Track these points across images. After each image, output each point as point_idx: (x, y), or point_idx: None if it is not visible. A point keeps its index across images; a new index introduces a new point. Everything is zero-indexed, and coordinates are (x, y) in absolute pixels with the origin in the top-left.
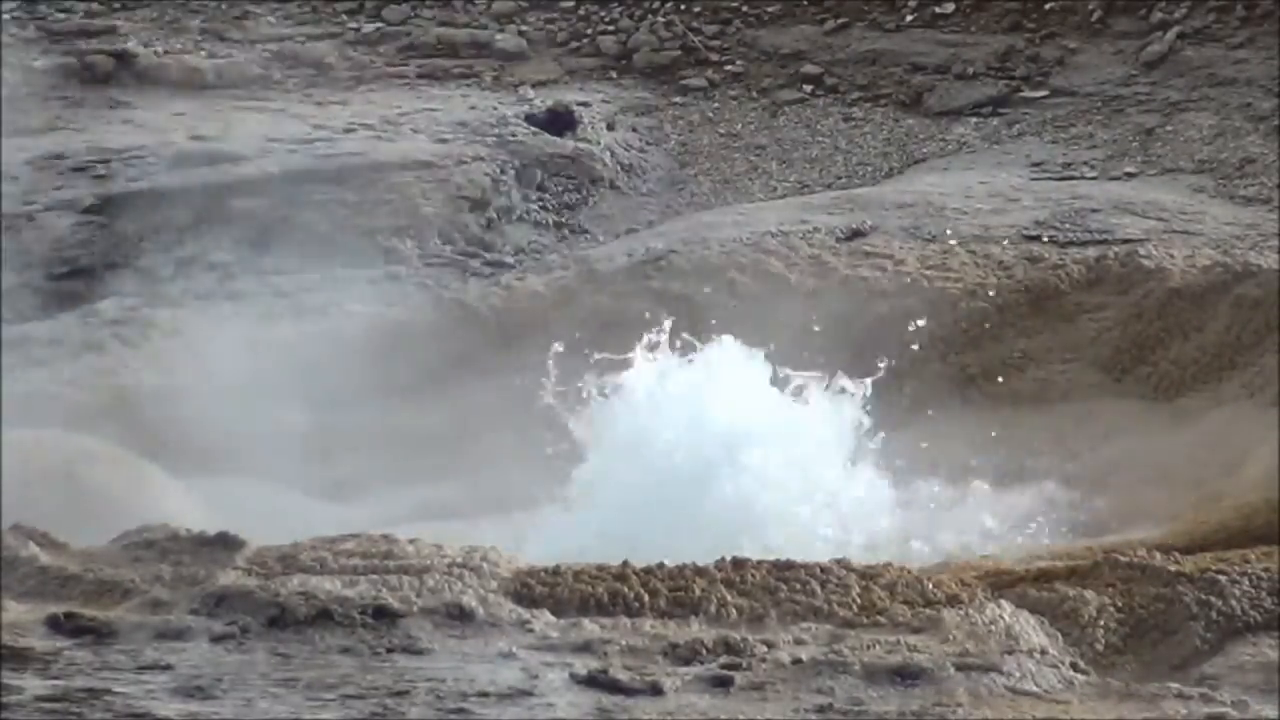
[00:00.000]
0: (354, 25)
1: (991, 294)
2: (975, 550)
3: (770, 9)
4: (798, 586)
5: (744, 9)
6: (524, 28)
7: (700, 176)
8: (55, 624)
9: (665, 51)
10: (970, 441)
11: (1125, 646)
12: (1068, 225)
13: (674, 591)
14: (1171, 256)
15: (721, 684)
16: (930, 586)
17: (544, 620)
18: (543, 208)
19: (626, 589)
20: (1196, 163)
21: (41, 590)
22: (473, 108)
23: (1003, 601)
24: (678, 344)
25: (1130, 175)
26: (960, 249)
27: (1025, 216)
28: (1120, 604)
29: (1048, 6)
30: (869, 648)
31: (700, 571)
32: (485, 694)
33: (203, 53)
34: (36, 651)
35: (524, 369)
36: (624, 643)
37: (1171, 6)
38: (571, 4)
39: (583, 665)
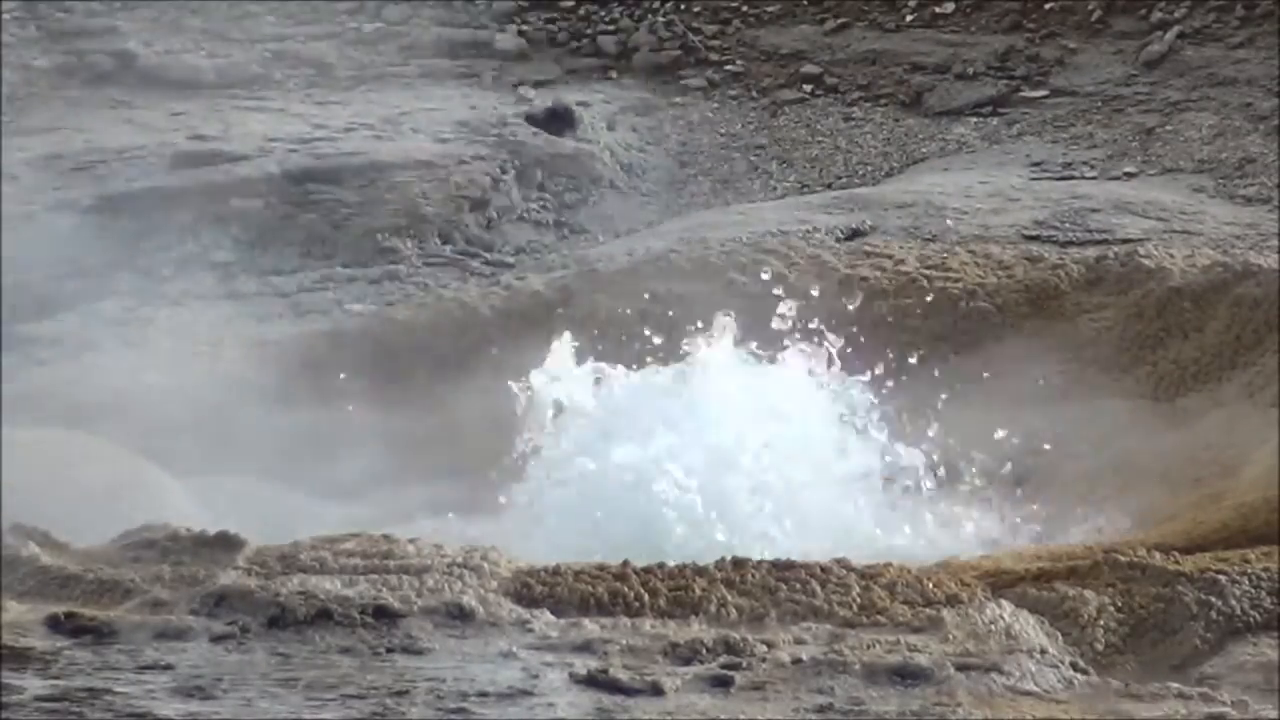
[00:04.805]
0: (354, 25)
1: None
2: None
3: (770, 9)
4: (798, 586)
5: (744, 9)
6: (524, 28)
7: (700, 176)
8: (55, 624)
9: (665, 51)
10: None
11: (1125, 646)
12: (1068, 225)
13: (674, 591)
14: (1171, 256)
15: (721, 684)
16: (930, 586)
17: (544, 620)
18: (543, 207)
19: (626, 589)
20: (1196, 163)
21: (41, 590)
22: (473, 108)
23: (1003, 601)
24: None
25: (1130, 175)
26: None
27: (1025, 216)
28: (1120, 604)
29: (1048, 6)
30: (869, 647)
31: (700, 571)
32: (485, 694)
33: (203, 52)
34: (36, 651)
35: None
36: (624, 642)
37: (1171, 6)
38: (571, 4)
39: (583, 665)
